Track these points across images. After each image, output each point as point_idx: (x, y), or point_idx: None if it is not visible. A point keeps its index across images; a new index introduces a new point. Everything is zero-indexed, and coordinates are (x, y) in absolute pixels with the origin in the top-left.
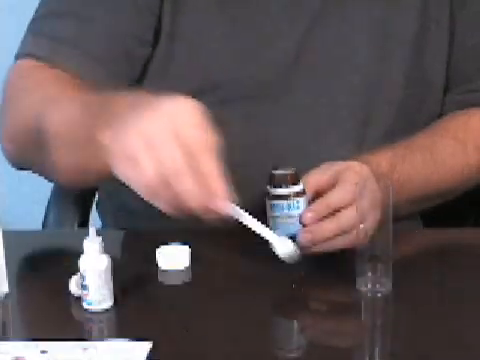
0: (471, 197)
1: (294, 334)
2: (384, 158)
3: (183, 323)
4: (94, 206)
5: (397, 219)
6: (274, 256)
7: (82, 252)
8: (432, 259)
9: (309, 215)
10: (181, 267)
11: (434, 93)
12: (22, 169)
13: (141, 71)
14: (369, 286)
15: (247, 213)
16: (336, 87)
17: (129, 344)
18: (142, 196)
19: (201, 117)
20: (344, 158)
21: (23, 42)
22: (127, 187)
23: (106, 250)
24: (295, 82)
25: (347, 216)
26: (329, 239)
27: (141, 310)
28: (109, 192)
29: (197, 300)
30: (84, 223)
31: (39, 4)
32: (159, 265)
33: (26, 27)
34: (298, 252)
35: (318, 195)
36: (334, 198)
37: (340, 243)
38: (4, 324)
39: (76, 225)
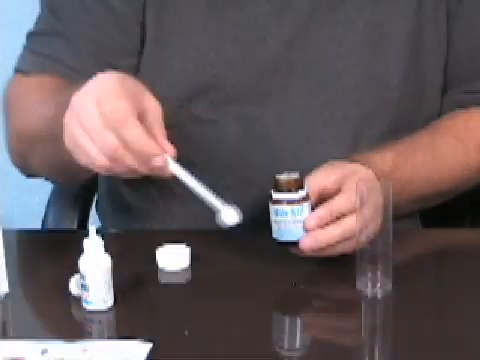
0: (469, 197)
1: (294, 334)
2: (388, 157)
3: (183, 323)
4: (94, 206)
5: (397, 218)
6: (274, 256)
7: (82, 252)
8: (432, 259)
9: (313, 221)
10: (181, 267)
11: (431, 94)
12: (31, 176)
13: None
14: (369, 286)
15: (191, 176)
16: (330, 88)
17: (129, 344)
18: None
19: (117, 87)
20: (340, 158)
21: (19, 57)
22: (126, 187)
23: (106, 250)
24: (288, 83)
25: (350, 223)
26: (332, 245)
27: (141, 310)
28: (108, 192)
29: (197, 300)
30: (83, 222)
31: (36, 20)
32: (159, 265)
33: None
34: (241, 221)
35: (321, 198)
36: (338, 205)
37: (341, 249)
38: (4, 324)
39: (76, 224)
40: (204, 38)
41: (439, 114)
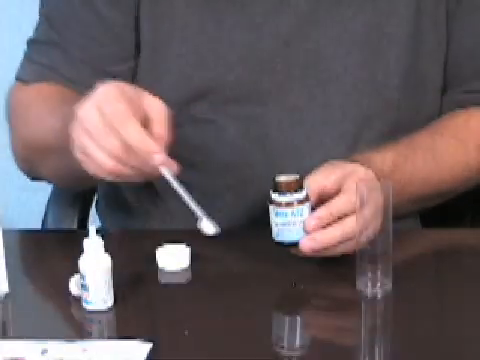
0: (469, 197)
1: (294, 334)
2: (388, 157)
3: (183, 323)
4: (94, 206)
5: (397, 218)
6: (274, 256)
7: (82, 252)
8: (432, 259)
9: (313, 223)
10: (181, 267)
11: (431, 94)
12: (36, 179)
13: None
14: (369, 286)
15: (179, 184)
16: (329, 88)
17: (129, 344)
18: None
19: (116, 93)
20: (341, 158)
21: (19, 66)
22: (126, 187)
23: (106, 250)
24: (287, 83)
25: (350, 224)
26: (332, 246)
27: (141, 310)
28: (108, 192)
29: (197, 300)
30: (83, 222)
31: (35, 26)
32: (159, 265)
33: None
34: (218, 234)
35: (321, 198)
36: (338, 205)
37: (341, 250)
38: (4, 324)
39: (76, 224)
40: (201, 40)
41: (439, 114)
